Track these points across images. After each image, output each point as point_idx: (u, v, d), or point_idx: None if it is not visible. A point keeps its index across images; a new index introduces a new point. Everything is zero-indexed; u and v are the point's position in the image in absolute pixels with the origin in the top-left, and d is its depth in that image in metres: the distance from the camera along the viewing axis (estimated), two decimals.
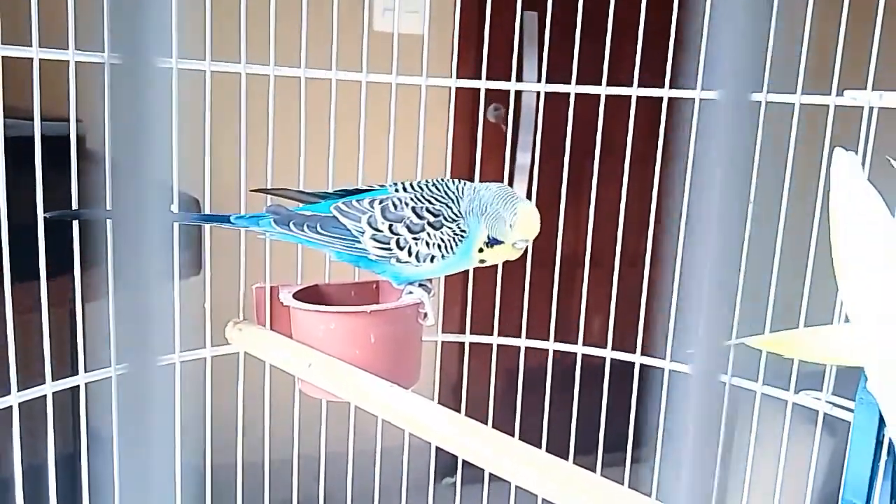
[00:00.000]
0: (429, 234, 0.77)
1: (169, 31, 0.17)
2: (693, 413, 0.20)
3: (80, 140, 0.76)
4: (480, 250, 0.78)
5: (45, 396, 0.75)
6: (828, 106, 0.77)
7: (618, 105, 0.87)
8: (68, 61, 0.72)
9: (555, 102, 0.89)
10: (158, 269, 0.18)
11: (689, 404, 0.20)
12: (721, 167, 0.19)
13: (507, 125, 0.93)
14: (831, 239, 0.63)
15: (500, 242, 0.77)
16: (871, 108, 0.74)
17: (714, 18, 0.18)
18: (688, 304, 0.19)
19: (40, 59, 0.71)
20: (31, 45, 0.70)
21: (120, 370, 0.18)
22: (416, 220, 0.77)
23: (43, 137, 0.72)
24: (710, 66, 0.18)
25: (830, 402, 0.78)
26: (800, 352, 0.72)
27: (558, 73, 0.88)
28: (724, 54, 0.18)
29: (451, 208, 0.77)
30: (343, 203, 0.79)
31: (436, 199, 0.77)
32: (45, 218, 0.72)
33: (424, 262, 0.78)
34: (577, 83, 0.87)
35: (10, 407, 0.72)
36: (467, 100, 1.02)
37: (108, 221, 0.79)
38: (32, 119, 0.71)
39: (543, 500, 0.67)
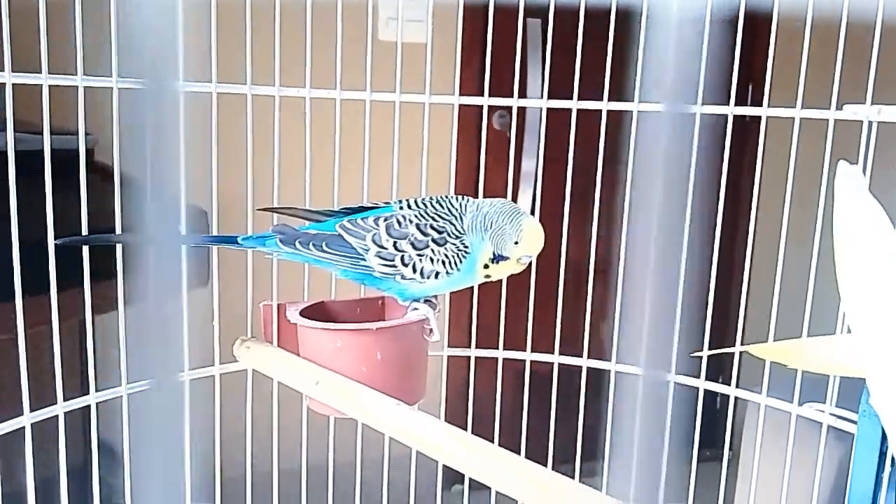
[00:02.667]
0: (433, 251, 0.78)
1: (176, 54, 0.18)
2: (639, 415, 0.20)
3: (89, 153, 0.77)
4: (486, 266, 0.78)
5: (55, 415, 0.76)
6: (827, 120, 0.77)
7: (621, 115, 0.87)
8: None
9: (559, 111, 0.90)
10: (174, 288, 0.19)
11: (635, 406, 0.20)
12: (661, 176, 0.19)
13: (511, 133, 0.94)
14: (834, 251, 0.64)
15: (506, 258, 0.77)
16: (870, 123, 0.74)
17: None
18: (632, 311, 0.19)
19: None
20: (35, 67, 0.71)
21: (133, 388, 0.18)
22: (420, 236, 0.77)
23: (52, 151, 0.73)
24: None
25: (834, 415, 0.79)
26: (802, 362, 0.73)
27: (562, 80, 0.88)
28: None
29: (454, 225, 0.78)
30: (348, 221, 0.79)
31: (439, 216, 0.78)
32: (55, 244, 0.73)
33: (429, 278, 0.78)
34: (580, 93, 0.88)
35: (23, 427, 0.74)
36: (472, 110, 1.02)
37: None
38: (41, 133, 0.72)
39: None
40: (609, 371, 0.92)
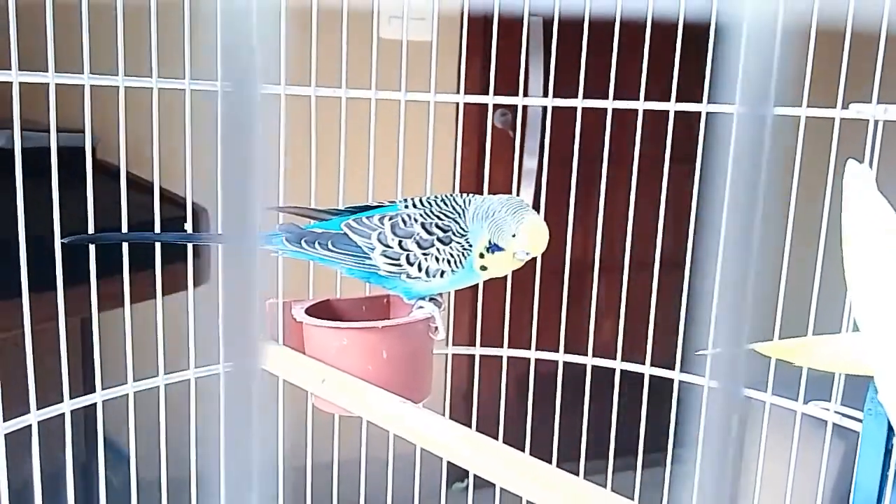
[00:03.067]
0: (438, 250, 0.78)
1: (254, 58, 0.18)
2: (713, 424, 0.20)
3: (92, 151, 0.77)
4: (481, 255, 0.77)
5: (61, 413, 0.77)
6: (833, 119, 0.77)
7: (625, 113, 0.88)
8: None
9: (562, 109, 0.90)
10: (261, 282, 0.19)
11: (709, 416, 0.20)
12: (736, 178, 0.19)
13: (514, 131, 0.94)
14: (843, 249, 0.64)
15: (501, 249, 0.76)
16: (876, 122, 0.74)
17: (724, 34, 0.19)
18: (701, 315, 0.19)
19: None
20: (41, 65, 0.72)
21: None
22: (425, 235, 0.78)
23: (57, 149, 0.73)
24: (722, 80, 0.19)
25: (839, 413, 0.79)
26: (808, 359, 0.73)
27: (565, 79, 0.88)
28: (740, 69, 0.19)
29: (458, 223, 0.78)
30: (353, 220, 0.80)
31: (444, 215, 0.78)
32: (62, 243, 0.73)
33: (434, 277, 0.78)
34: (585, 92, 0.88)
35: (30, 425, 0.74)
36: (475, 109, 1.03)
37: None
38: (46, 131, 0.72)
39: None
40: (614, 370, 0.92)
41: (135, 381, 0.82)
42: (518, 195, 0.80)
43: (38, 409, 0.74)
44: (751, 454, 1.08)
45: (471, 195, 0.80)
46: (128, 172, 0.79)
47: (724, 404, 0.19)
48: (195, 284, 0.85)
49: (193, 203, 0.83)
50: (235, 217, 0.19)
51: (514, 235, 0.75)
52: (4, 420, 0.72)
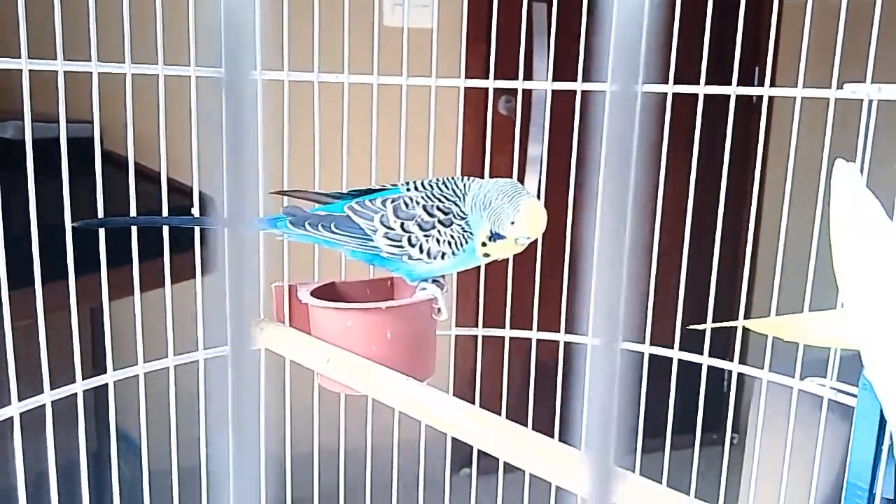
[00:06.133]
0: (439, 232, 0.79)
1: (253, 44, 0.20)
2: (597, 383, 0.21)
3: (100, 142, 0.79)
4: (483, 244, 0.79)
5: (73, 394, 0.78)
6: (828, 99, 0.78)
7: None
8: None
9: (565, 94, 0.91)
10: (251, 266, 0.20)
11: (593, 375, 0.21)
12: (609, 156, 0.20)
13: (517, 116, 0.95)
14: (832, 247, 0.65)
15: (503, 237, 0.78)
16: (870, 101, 0.75)
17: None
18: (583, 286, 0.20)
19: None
20: (49, 54, 0.73)
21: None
22: (426, 218, 0.79)
23: (65, 139, 0.74)
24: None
25: (835, 389, 0.80)
26: (802, 336, 0.74)
27: (568, 63, 0.89)
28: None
29: (459, 206, 0.79)
30: (356, 203, 0.81)
31: (445, 198, 0.80)
32: (72, 227, 0.74)
33: (435, 259, 0.80)
34: (585, 76, 0.89)
35: (42, 409, 0.75)
36: (477, 94, 1.04)
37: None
38: (54, 121, 0.73)
39: (557, 487, 0.69)
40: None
41: (145, 362, 0.83)
42: (522, 183, 0.81)
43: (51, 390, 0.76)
44: (750, 433, 1.09)
45: (471, 179, 0.81)
46: (135, 162, 0.81)
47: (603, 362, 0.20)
48: (203, 273, 0.86)
49: (200, 192, 0.85)
50: (230, 201, 0.20)
51: (512, 223, 0.76)
52: (20, 400, 0.74)
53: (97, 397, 0.89)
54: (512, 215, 0.76)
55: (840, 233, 0.64)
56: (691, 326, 0.84)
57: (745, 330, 0.88)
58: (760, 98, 0.85)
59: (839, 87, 0.77)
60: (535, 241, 0.82)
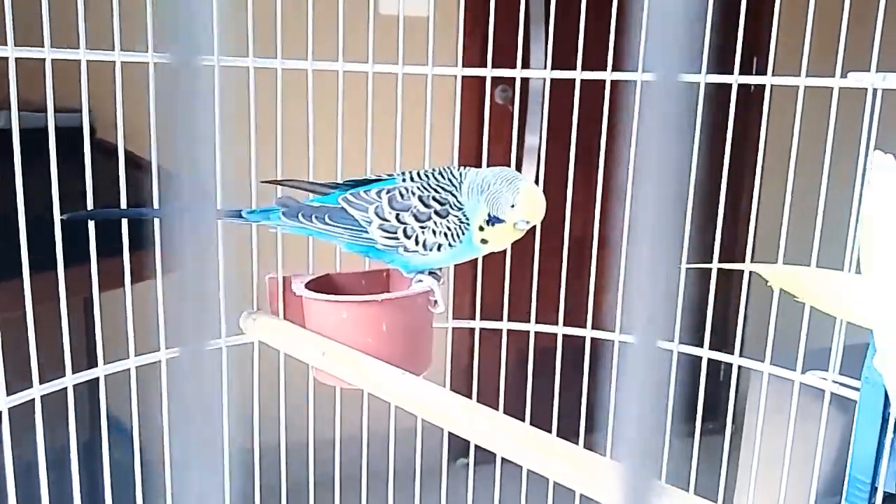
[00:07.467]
0: (435, 223, 0.78)
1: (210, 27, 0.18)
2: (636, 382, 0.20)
3: (91, 131, 0.77)
4: (481, 228, 0.77)
5: (64, 387, 0.77)
6: (832, 88, 0.77)
7: (623, 87, 0.87)
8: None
9: (562, 84, 0.90)
10: (211, 260, 0.19)
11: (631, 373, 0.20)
12: (656, 149, 0.19)
13: (514, 107, 0.94)
14: (860, 237, 0.64)
15: (501, 221, 0.77)
16: (875, 90, 0.74)
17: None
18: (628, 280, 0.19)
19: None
20: (37, 42, 0.71)
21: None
22: (422, 208, 0.78)
23: (55, 129, 0.73)
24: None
25: (837, 382, 0.79)
26: (808, 293, 0.72)
27: (566, 52, 0.88)
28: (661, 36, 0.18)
29: (455, 196, 0.78)
30: (351, 194, 0.80)
31: (441, 188, 0.78)
32: (61, 220, 0.73)
33: (431, 250, 0.79)
34: (584, 65, 0.87)
35: (32, 399, 0.74)
36: (474, 84, 1.02)
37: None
38: (43, 111, 0.72)
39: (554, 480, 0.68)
40: (612, 342, 0.93)
41: (136, 356, 0.82)
42: (520, 171, 0.80)
43: (41, 384, 0.75)
44: (749, 425, 1.09)
45: (467, 168, 0.80)
46: (126, 150, 0.79)
47: (642, 359, 0.19)
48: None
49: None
50: (186, 190, 0.19)
51: (512, 206, 0.75)
52: (8, 395, 0.73)
53: (90, 390, 0.88)
54: (512, 198, 0.75)
55: (875, 224, 0.63)
56: (691, 266, 0.82)
57: (745, 324, 0.87)
58: (759, 87, 0.83)
59: (843, 75, 0.76)
60: (533, 232, 0.81)
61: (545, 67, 0.89)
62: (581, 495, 0.64)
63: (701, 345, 0.88)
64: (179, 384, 0.20)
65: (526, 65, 0.91)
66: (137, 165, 0.90)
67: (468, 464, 0.98)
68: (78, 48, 0.74)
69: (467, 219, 0.77)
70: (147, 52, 0.77)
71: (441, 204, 0.77)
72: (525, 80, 0.92)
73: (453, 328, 0.95)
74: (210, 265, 0.19)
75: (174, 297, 0.19)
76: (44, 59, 0.72)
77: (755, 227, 0.87)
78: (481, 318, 0.96)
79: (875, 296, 0.63)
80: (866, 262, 0.65)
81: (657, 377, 0.19)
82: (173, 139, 0.19)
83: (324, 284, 0.85)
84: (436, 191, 0.78)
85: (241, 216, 0.80)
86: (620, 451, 0.20)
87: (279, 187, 0.84)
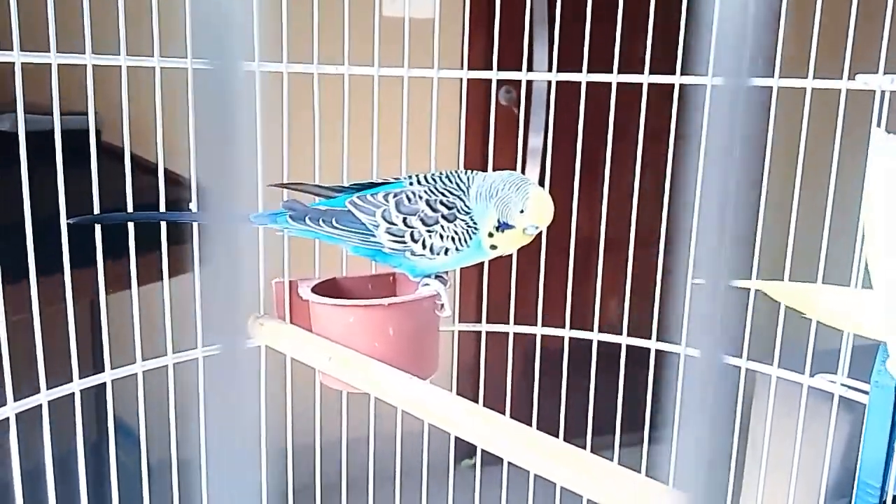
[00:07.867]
0: (443, 227, 0.77)
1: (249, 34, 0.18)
2: (701, 395, 0.20)
3: (97, 133, 0.77)
4: (490, 234, 0.77)
5: (71, 392, 0.77)
6: (840, 90, 0.77)
7: (630, 89, 0.87)
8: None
9: (566, 86, 0.89)
10: (246, 262, 0.19)
11: (696, 386, 0.20)
12: (722, 151, 0.19)
13: (518, 108, 0.93)
14: (865, 229, 0.64)
15: (511, 227, 0.77)
16: (882, 92, 0.74)
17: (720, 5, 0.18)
18: (697, 289, 0.19)
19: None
20: (43, 46, 0.71)
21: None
22: (430, 212, 0.77)
23: (61, 132, 0.73)
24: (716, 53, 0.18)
25: (846, 385, 0.79)
26: (815, 310, 0.72)
27: (570, 54, 0.88)
28: (725, 40, 0.18)
29: (463, 200, 0.78)
30: (358, 197, 0.79)
31: (449, 192, 0.78)
32: (68, 224, 0.73)
33: (439, 254, 0.78)
34: (589, 67, 0.87)
35: (40, 405, 0.74)
36: (479, 86, 1.02)
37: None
38: (48, 114, 0.72)
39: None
40: (620, 345, 0.93)
41: (143, 360, 0.82)
42: (523, 173, 0.80)
43: (48, 389, 0.75)
44: (757, 427, 1.08)
45: (474, 172, 0.80)
46: (132, 154, 0.79)
47: (704, 372, 0.19)
48: (201, 266, 0.85)
49: (199, 184, 0.83)
50: (219, 197, 0.19)
51: (522, 211, 0.75)
52: (15, 400, 0.73)
53: (97, 394, 0.88)
54: (521, 204, 0.75)
55: (877, 210, 0.62)
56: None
57: (752, 327, 0.87)
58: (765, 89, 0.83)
59: (851, 77, 0.76)
60: (539, 235, 0.81)
61: (549, 70, 0.89)
62: (588, 501, 0.63)
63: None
64: (212, 382, 0.20)
65: (530, 67, 0.91)
66: (143, 168, 0.90)
67: (474, 465, 0.98)
68: (83, 52, 0.74)
69: (475, 223, 0.77)
70: (153, 56, 0.77)
71: (449, 208, 0.77)
72: (528, 82, 0.92)
73: (459, 332, 0.95)
74: (241, 267, 0.19)
75: (206, 297, 0.19)
76: (49, 64, 0.72)
77: (763, 224, 0.87)
78: (487, 322, 0.95)
79: (885, 303, 0.62)
80: (870, 249, 0.64)
81: (722, 395, 0.19)
82: (209, 145, 0.18)
83: (330, 288, 0.85)
84: (443, 195, 0.78)
85: (247, 220, 0.80)
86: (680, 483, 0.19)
87: (285, 191, 0.84)
